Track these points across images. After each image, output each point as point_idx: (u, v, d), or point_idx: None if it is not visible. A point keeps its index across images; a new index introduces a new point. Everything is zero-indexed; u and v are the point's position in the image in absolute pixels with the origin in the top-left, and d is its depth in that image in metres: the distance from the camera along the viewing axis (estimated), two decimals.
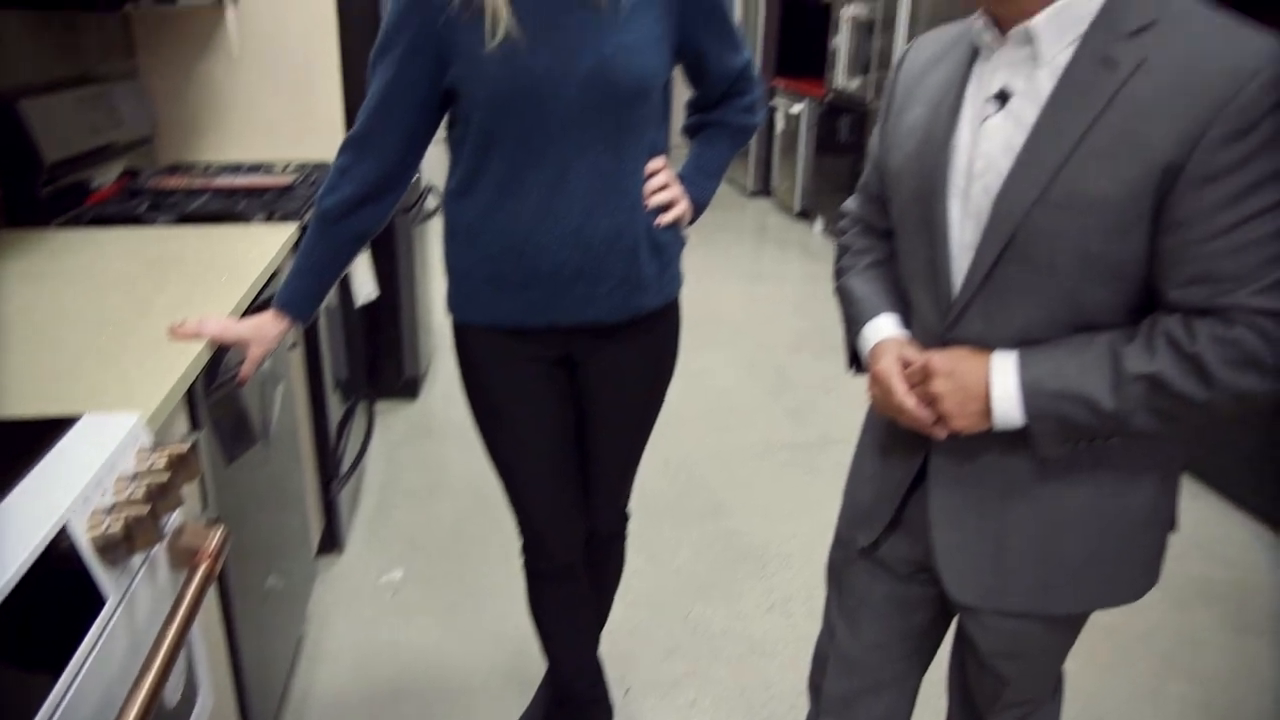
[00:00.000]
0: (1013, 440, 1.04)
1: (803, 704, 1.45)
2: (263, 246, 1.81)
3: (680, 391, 1.63)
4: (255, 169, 2.55)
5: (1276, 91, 0.84)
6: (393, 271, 3.03)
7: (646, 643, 2.12)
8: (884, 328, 1.14)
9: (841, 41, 5.34)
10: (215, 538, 1.03)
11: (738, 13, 6.75)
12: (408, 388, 3.31)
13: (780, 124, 6.34)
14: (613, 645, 1.91)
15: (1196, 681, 2.03)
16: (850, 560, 1.29)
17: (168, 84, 2.62)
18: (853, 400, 1.27)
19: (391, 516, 2.62)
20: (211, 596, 1.41)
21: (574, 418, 1.51)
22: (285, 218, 2.02)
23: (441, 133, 1.40)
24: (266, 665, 1.69)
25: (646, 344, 1.47)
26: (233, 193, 2.24)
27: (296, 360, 2.05)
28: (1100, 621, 1.29)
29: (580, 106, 1.25)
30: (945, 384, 1.03)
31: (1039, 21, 0.94)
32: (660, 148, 1.38)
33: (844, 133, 5.37)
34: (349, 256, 1.43)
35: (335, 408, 2.32)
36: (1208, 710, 1.95)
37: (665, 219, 1.38)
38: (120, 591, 0.92)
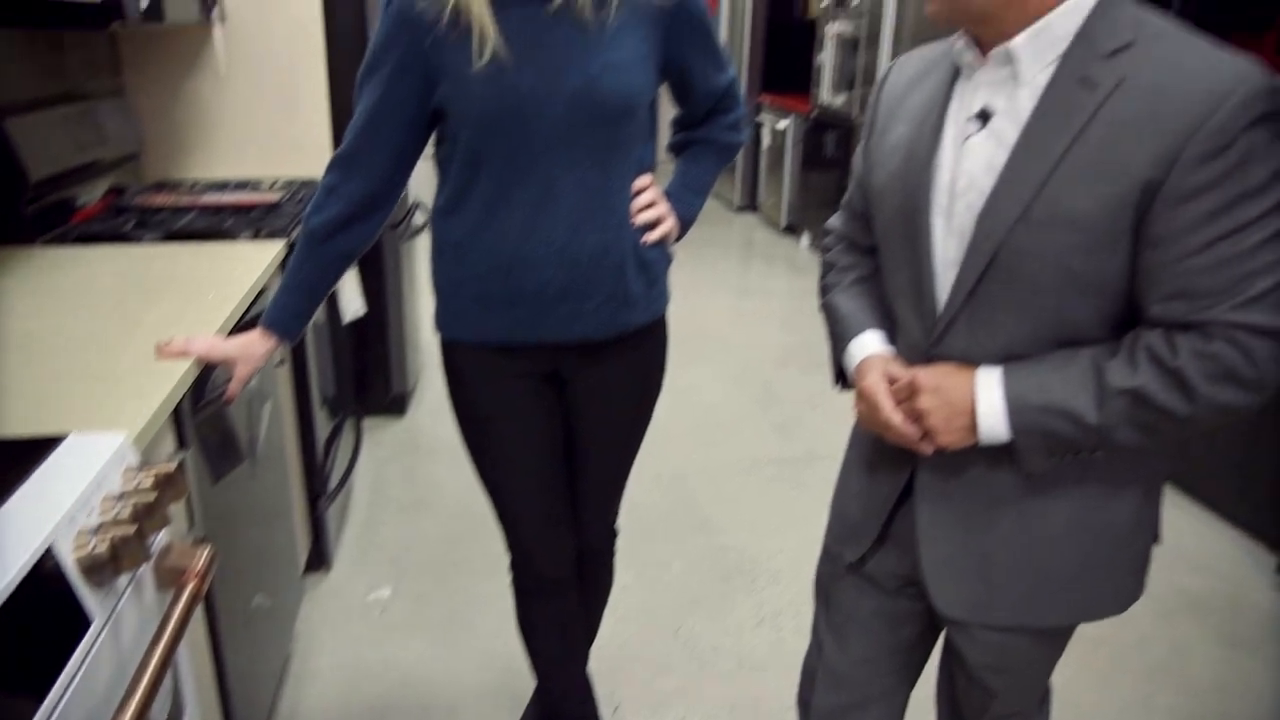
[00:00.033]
0: (998, 455, 1.04)
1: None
2: (249, 264, 1.81)
3: (668, 407, 1.63)
4: (242, 186, 2.55)
5: (1250, 112, 0.85)
6: (380, 288, 3.03)
7: (636, 659, 2.11)
8: (869, 344, 1.15)
9: (826, 58, 5.38)
10: (202, 557, 1.03)
11: (724, 30, 6.80)
12: (395, 404, 3.30)
13: (766, 139, 6.38)
14: (602, 662, 1.91)
15: (1185, 693, 2.03)
16: (838, 575, 1.29)
17: (155, 101, 2.62)
18: (839, 415, 1.27)
19: (379, 534, 2.61)
20: (198, 616, 1.40)
21: (562, 434, 1.52)
22: (272, 235, 2.02)
23: (429, 149, 1.41)
24: (253, 685, 1.68)
25: (634, 360, 1.48)
26: (219, 210, 2.24)
27: (284, 377, 2.04)
28: (1089, 633, 1.30)
29: (567, 125, 1.25)
30: (931, 400, 1.03)
31: (1019, 42, 0.95)
32: (647, 165, 1.39)
33: (830, 148, 5.41)
34: (337, 275, 1.43)
35: (323, 424, 2.31)
36: None
37: (652, 236, 1.39)
38: (106, 612, 0.92)
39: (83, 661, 0.86)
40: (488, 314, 1.37)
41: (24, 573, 0.81)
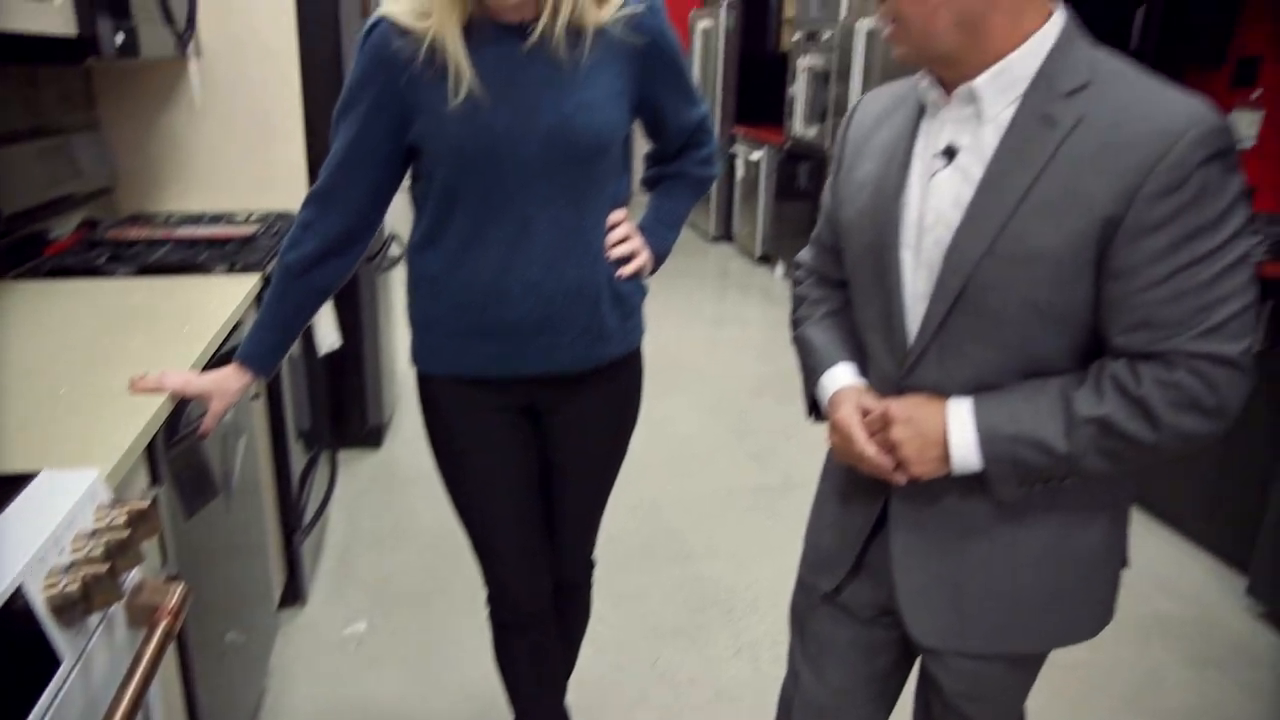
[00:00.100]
0: (970, 484, 1.06)
1: None
2: (224, 298, 1.80)
3: (644, 438, 1.64)
4: (217, 219, 2.55)
5: (1203, 149, 0.89)
6: (356, 320, 3.03)
7: (614, 691, 2.10)
8: (841, 376, 1.17)
9: (799, 90, 5.46)
10: (175, 595, 1.02)
11: (698, 63, 6.89)
12: (371, 436, 3.28)
13: (741, 171, 6.45)
14: (580, 694, 1.90)
15: (1159, 717, 2.05)
16: (813, 605, 1.30)
17: (130, 134, 2.61)
18: (814, 444, 1.29)
19: (355, 567, 2.58)
20: (169, 653, 1.39)
21: (538, 467, 1.52)
22: (247, 269, 2.01)
23: (405, 183, 1.42)
24: None
25: (610, 392, 1.49)
26: (194, 243, 2.24)
27: (259, 411, 2.03)
28: (1064, 659, 1.31)
29: (542, 163, 1.27)
30: (904, 431, 1.05)
31: (981, 82, 0.98)
32: (621, 200, 1.41)
33: (803, 179, 5.48)
34: (312, 310, 1.43)
35: (298, 458, 2.30)
36: None
37: (626, 271, 1.40)
38: (76, 652, 0.91)
39: (52, 702, 0.85)
40: (464, 348, 1.38)
41: None
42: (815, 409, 1.25)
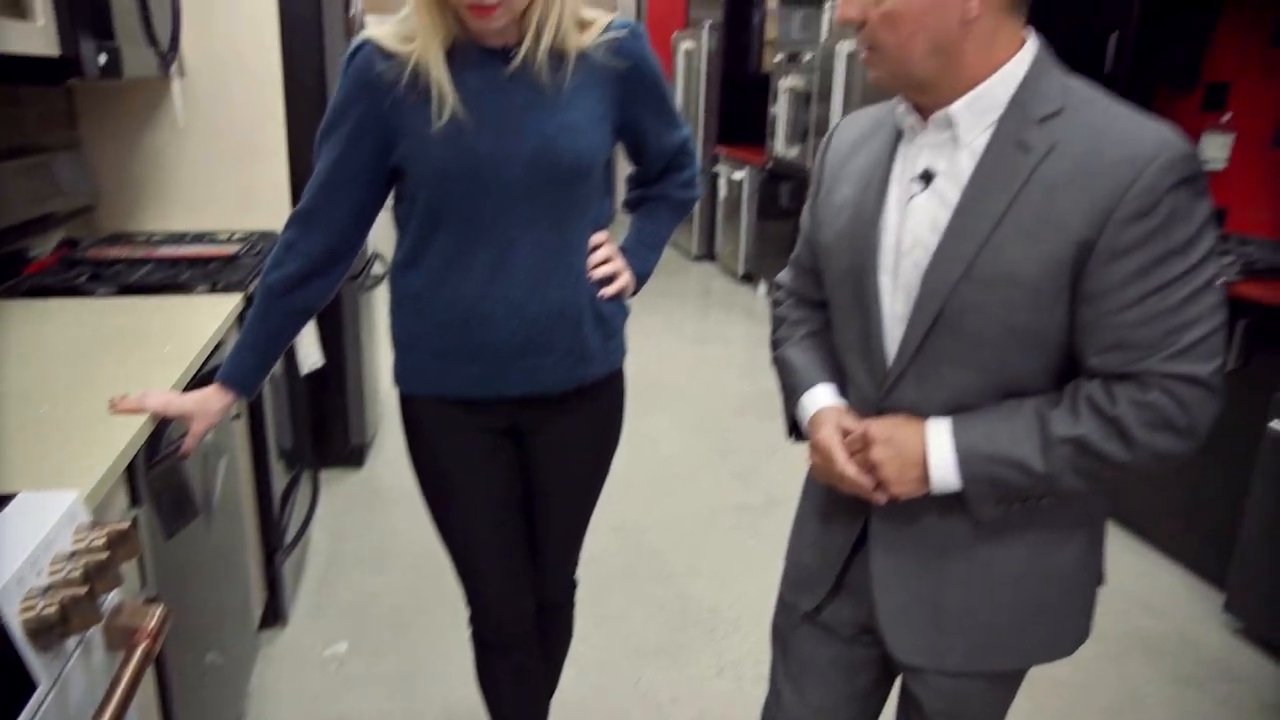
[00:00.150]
0: (949, 503, 1.07)
1: None
2: (206, 317, 1.80)
3: (626, 457, 1.65)
4: (199, 239, 2.54)
5: (1173, 174, 0.91)
6: (338, 339, 3.02)
7: (596, 712, 2.10)
8: (821, 397, 1.18)
9: (780, 111, 5.51)
10: (155, 617, 1.01)
11: (680, 83, 6.94)
12: (353, 455, 3.27)
13: (723, 190, 6.49)
14: (562, 715, 1.89)
15: None
16: (794, 624, 1.30)
17: (112, 154, 2.61)
18: (797, 463, 1.29)
19: (336, 587, 2.57)
20: (149, 675, 1.37)
21: (520, 487, 1.52)
22: (229, 288, 2.01)
23: (389, 203, 1.42)
24: None
25: (592, 412, 1.49)
26: (176, 263, 2.23)
27: (240, 431, 2.02)
28: (1043, 676, 1.32)
29: (524, 186, 1.28)
30: (884, 451, 1.06)
31: (957, 108, 1.00)
32: (603, 222, 1.42)
33: (785, 198, 5.52)
34: (294, 330, 1.43)
35: (279, 477, 2.29)
36: None
37: (608, 292, 1.41)
38: (52, 676, 0.90)
39: None
40: (446, 368, 1.38)
41: None
42: (795, 429, 1.26)
